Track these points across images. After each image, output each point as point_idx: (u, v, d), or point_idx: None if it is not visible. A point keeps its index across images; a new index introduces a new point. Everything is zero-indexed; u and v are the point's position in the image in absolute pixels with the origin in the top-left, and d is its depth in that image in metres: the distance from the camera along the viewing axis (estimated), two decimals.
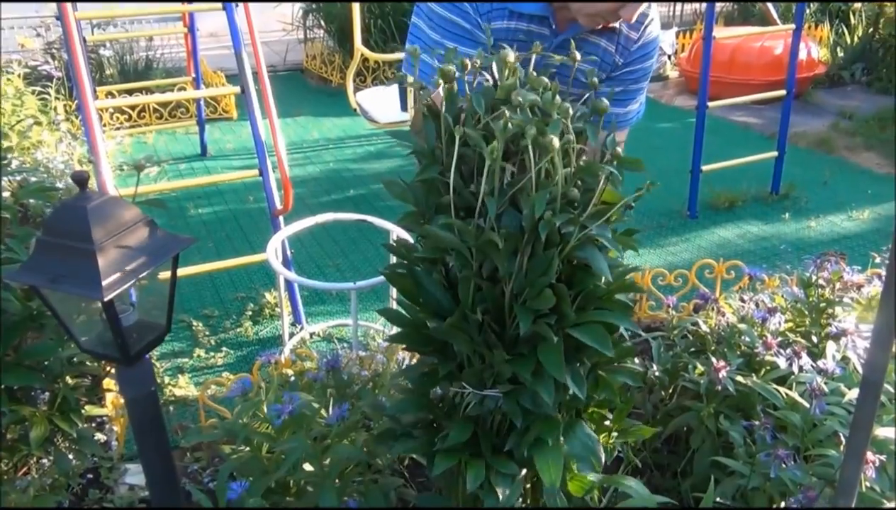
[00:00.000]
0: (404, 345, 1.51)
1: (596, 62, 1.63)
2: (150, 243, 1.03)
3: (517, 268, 1.15)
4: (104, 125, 4.77)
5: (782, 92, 3.89)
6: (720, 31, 5.06)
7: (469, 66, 1.23)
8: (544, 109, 1.17)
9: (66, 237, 0.97)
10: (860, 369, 1.61)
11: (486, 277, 1.18)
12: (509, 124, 1.09)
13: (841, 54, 6.17)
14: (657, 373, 1.88)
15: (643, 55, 1.72)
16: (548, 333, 1.13)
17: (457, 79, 1.23)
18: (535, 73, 1.25)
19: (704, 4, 3.73)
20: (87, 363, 1.74)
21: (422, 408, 1.34)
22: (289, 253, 2.82)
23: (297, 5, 6.46)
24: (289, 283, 2.77)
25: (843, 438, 1.46)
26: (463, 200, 1.19)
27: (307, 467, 1.51)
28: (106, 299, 0.95)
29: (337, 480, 1.49)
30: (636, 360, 1.99)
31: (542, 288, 1.14)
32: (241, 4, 2.60)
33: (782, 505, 1.48)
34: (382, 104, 3.81)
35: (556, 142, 1.06)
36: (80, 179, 0.99)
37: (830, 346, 1.64)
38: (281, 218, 2.72)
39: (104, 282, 0.95)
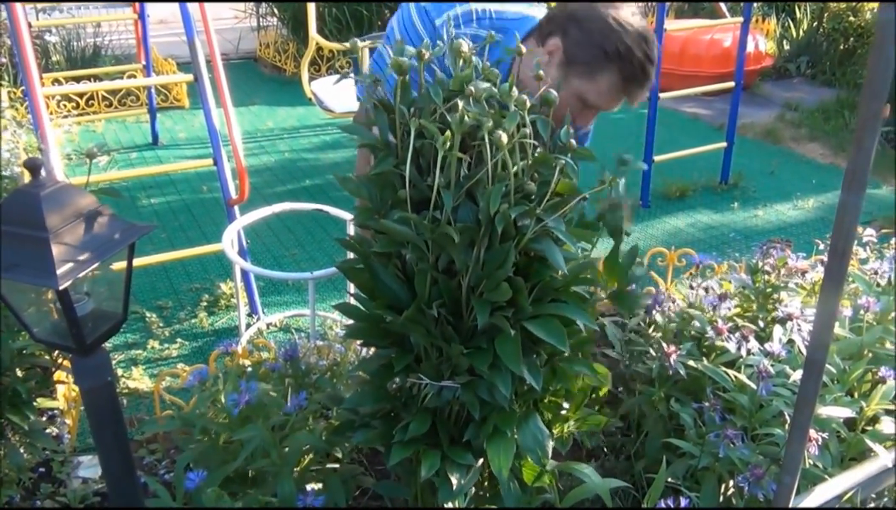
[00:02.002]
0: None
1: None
2: (105, 231, 1.02)
3: (474, 260, 1.16)
4: (51, 113, 4.65)
5: (731, 84, 3.98)
6: (671, 24, 5.14)
7: (426, 56, 1.24)
8: (501, 101, 1.19)
9: (19, 225, 0.95)
10: (805, 351, 1.67)
11: (443, 270, 1.19)
12: (466, 117, 1.10)
13: (787, 47, 6.33)
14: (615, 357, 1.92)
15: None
16: (505, 326, 1.14)
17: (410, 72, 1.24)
18: (488, 64, 1.27)
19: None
20: (38, 355, 1.70)
21: (380, 400, 1.34)
22: (245, 243, 2.80)
23: None
24: (245, 274, 2.75)
25: (788, 417, 1.51)
26: (419, 193, 1.19)
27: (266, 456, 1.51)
28: (61, 287, 0.94)
29: (296, 469, 1.50)
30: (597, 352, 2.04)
31: (499, 281, 1.15)
32: None
33: (731, 483, 1.53)
34: (337, 93, 3.79)
35: (504, 137, 1.07)
36: (33, 166, 0.98)
37: (777, 330, 1.70)
38: (236, 208, 2.69)
39: (59, 271, 0.94)
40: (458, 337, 1.20)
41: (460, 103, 1.11)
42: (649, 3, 7.63)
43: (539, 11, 1.69)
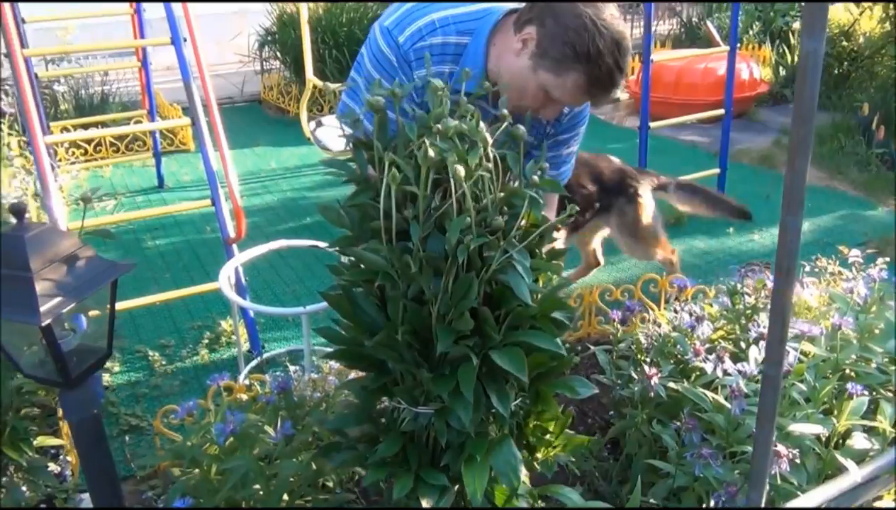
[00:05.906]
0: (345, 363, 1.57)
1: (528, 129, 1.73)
2: (87, 269, 1.08)
3: (442, 290, 1.21)
4: (60, 160, 4.77)
5: (722, 111, 4.04)
6: (663, 54, 5.24)
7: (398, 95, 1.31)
8: (471, 137, 1.25)
9: (5, 266, 1.02)
10: None
11: (413, 298, 1.24)
12: (430, 152, 1.16)
13: (783, 73, 6.40)
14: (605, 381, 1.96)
15: (574, 124, 1.83)
16: (467, 354, 1.19)
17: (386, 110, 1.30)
18: (465, 98, 1.33)
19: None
20: (39, 393, 1.76)
21: (362, 421, 1.39)
22: (243, 280, 2.86)
23: (253, 38, 6.53)
24: (244, 311, 2.81)
25: None
26: (396, 224, 1.25)
27: (256, 486, 1.55)
28: (44, 324, 1.00)
29: (285, 498, 1.54)
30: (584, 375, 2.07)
31: (463, 310, 1.20)
32: (188, 40, 2.66)
33: (712, 503, 1.55)
34: (336, 133, 3.88)
35: (461, 170, 1.13)
36: (17, 210, 1.04)
37: (752, 350, 1.73)
38: (234, 246, 2.76)
39: (42, 308, 1.00)
40: (429, 363, 1.24)
41: (427, 140, 1.18)
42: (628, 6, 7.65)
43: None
